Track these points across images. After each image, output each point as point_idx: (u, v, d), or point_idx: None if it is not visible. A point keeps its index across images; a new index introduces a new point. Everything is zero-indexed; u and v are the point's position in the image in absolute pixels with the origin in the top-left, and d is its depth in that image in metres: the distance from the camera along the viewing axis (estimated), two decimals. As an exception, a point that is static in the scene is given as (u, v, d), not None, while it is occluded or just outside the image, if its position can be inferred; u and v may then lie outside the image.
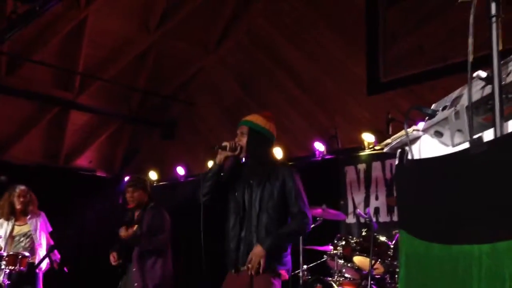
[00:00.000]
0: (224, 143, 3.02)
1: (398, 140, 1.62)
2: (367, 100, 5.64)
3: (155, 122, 7.63)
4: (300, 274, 4.55)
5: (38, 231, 4.86)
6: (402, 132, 1.60)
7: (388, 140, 1.68)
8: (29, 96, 6.39)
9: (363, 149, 5.53)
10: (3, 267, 4.81)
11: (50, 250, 4.64)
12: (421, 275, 1.31)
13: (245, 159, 3.09)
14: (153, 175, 7.66)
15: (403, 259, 1.43)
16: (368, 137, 5.42)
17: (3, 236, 4.81)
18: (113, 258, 4.10)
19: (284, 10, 6.38)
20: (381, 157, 5.40)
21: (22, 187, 4.86)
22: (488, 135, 1.18)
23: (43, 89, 6.45)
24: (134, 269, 4.09)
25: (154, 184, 7.74)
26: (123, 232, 4.09)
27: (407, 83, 5.32)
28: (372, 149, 5.45)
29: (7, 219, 4.88)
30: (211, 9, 6.41)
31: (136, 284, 4.06)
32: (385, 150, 1.71)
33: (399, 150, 1.66)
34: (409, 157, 1.52)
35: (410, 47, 5.40)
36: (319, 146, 5.82)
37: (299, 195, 2.93)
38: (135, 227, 4.13)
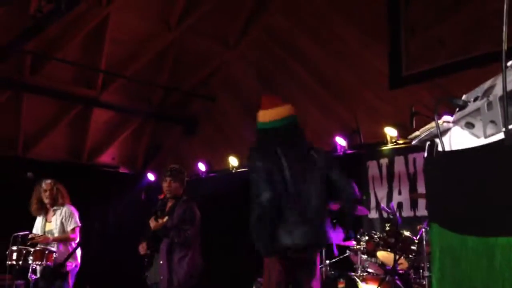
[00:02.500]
0: None
1: (428, 132, 1.60)
2: (389, 94, 5.58)
3: (176, 118, 7.69)
4: (323, 269, 4.54)
5: (58, 227, 4.87)
6: (432, 124, 1.57)
7: (417, 133, 1.65)
8: (53, 94, 6.51)
9: (386, 143, 5.48)
10: (30, 262, 4.91)
11: (77, 246, 4.68)
12: (456, 269, 1.29)
13: None
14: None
15: (436, 253, 1.41)
16: (390, 131, 5.37)
17: (37, 232, 4.89)
18: (142, 248, 4.11)
19: (302, 5, 6.35)
20: (404, 151, 5.35)
21: (48, 181, 4.90)
22: (523, 125, 1.15)
23: (66, 87, 6.56)
24: (161, 262, 4.05)
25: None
26: (152, 222, 4.03)
27: (429, 77, 5.25)
28: (394, 143, 5.40)
29: (39, 215, 4.95)
30: (231, 5, 6.42)
31: (162, 277, 4.03)
32: (413, 142, 1.69)
33: (428, 143, 1.64)
34: (439, 149, 1.50)
35: (432, 40, 5.32)
36: (341, 141, 5.78)
37: None
38: (165, 218, 4.07)
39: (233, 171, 7.07)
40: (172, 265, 4.01)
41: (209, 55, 6.95)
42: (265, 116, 3.03)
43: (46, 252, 4.71)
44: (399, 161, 5.46)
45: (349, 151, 5.81)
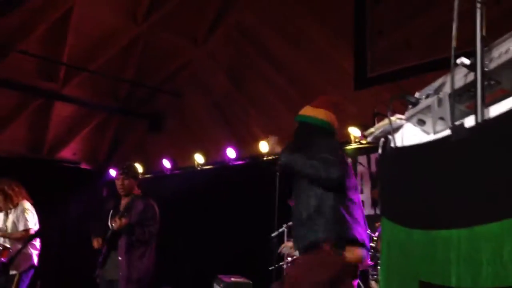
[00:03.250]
0: None
1: (382, 129, 1.62)
2: (354, 95, 5.65)
3: (142, 114, 7.57)
4: (284, 266, 4.55)
5: (11, 224, 4.76)
6: (386, 121, 1.60)
7: (372, 129, 1.68)
8: (13, 86, 6.30)
9: (349, 143, 5.55)
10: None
11: (26, 241, 4.55)
12: (402, 261, 1.31)
13: None
14: (138, 168, 7.61)
15: (384, 246, 1.43)
16: (354, 132, 5.44)
17: None
18: (97, 243, 4.05)
19: (272, 3, 6.36)
20: (366, 151, 5.43)
21: (3, 180, 4.78)
22: (469, 122, 1.18)
23: (27, 80, 6.36)
24: (120, 258, 3.99)
25: (140, 177, 7.70)
26: (116, 222, 3.95)
27: (394, 78, 5.34)
28: (358, 143, 5.48)
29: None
30: (199, 0, 6.36)
31: (121, 273, 3.96)
32: (368, 139, 1.71)
33: (382, 139, 1.66)
34: (392, 145, 1.52)
35: (397, 42, 5.42)
36: (306, 140, 5.82)
37: None
38: (126, 217, 4.00)
39: (199, 168, 7.03)
40: (132, 262, 3.97)
41: (177, 51, 6.88)
42: (333, 119, 2.86)
43: (0, 248, 4.57)
44: (362, 161, 5.54)
45: (314, 150, 5.85)
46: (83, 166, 7.82)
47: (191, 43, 6.82)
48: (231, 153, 6.63)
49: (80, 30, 6.15)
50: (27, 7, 5.13)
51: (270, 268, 4.54)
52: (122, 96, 7.28)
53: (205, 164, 7.04)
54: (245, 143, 6.76)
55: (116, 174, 4.27)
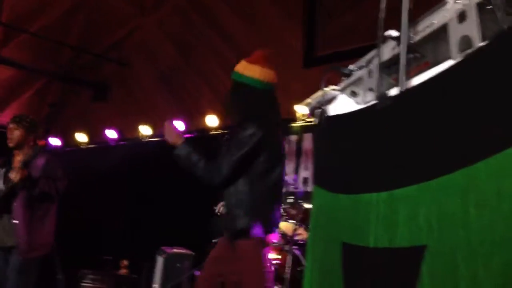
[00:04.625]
0: None
1: (318, 99, 1.67)
2: (302, 73, 5.73)
3: (86, 82, 7.31)
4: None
5: None
6: (320, 93, 1.64)
7: (308, 100, 1.72)
8: None
9: (295, 120, 5.64)
10: None
11: None
12: (328, 225, 1.37)
13: None
14: (81, 137, 7.39)
15: (313, 212, 1.49)
16: (300, 109, 5.53)
17: None
18: None
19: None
20: (312, 129, 5.54)
21: None
22: (394, 93, 1.24)
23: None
24: (16, 222, 3.41)
25: (82, 147, 7.49)
26: (18, 172, 3.32)
27: (340, 59, 5.45)
28: (304, 121, 5.57)
29: None
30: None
31: (20, 240, 3.40)
32: (305, 109, 1.75)
33: (318, 110, 1.71)
34: (326, 115, 1.57)
35: (346, 24, 5.52)
36: (253, 116, 5.85)
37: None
38: (22, 172, 3.36)
39: (144, 140, 6.92)
40: (32, 224, 3.43)
41: (124, 17, 6.65)
42: (272, 76, 2.57)
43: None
44: (307, 138, 5.65)
45: (260, 126, 5.91)
46: (21, 132, 7.48)
47: (139, 10, 6.61)
48: (178, 125, 6.56)
49: (20, -11, 5.82)
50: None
51: (213, 241, 4.59)
52: (65, 61, 6.99)
53: (152, 136, 6.94)
54: (192, 116, 6.70)
55: (8, 124, 3.65)
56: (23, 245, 3.39)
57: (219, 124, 6.28)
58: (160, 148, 6.76)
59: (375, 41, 4.70)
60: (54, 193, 3.48)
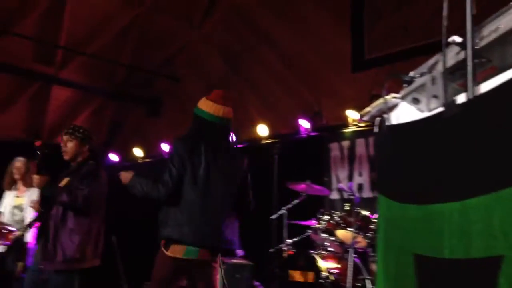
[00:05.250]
0: None
1: (378, 108, 1.65)
2: (351, 77, 5.67)
3: (139, 98, 7.57)
4: (284, 248, 4.62)
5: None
6: (381, 100, 1.63)
7: (368, 108, 1.70)
8: (10, 70, 6.28)
9: (347, 126, 5.58)
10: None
11: (29, 224, 4.49)
12: (398, 236, 1.35)
13: None
14: (138, 152, 7.64)
15: (381, 223, 1.47)
16: (352, 114, 5.46)
17: (4, 207, 4.77)
18: (34, 204, 3.53)
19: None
20: (365, 134, 5.46)
21: (21, 158, 4.76)
22: (461, 99, 1.20)
23: (23, 64, 6.34)
24: (50, 230, 3.32)
25: (139, 161, 7.73)
26: (36, 178, 3.33)
27: (391, 61, 5.36)
28: (356, 126, 5.50)
29: (9, 189, 4.85)
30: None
31: (46, 248, 3.32)
32: (364, 118, 1.74)
33: (378, 118, 1.69)
34: (388, 124, 1.55)
35: (395, 25, 5.42)
36: (304, 123, 5.85)
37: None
38: (65, 180, 3.35)
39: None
40: (60, 234, 3.28)
41: (173, 34, 6.85)
42: (219, 110, 3.01)
43: (3, 230, 4.60)
44: (360, 144, 5.57)
45: (312, 133, 5.89)
46: (82, 150, 7.84)
47: (187, 26, 6.79)
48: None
49: (76, 13, 6.13)
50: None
51: (270, 250, 4.60)
52: (119, 80, 7.28)
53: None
54: (242, 127, 6.77)
55: (62, 136, 3.59)
56: (45, 255, 3.30)
57: (270, 133, 6.31)
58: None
59: (426, 41, 4.58)
60: (72, 200, 3.28)
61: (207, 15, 6.73)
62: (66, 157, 3.53)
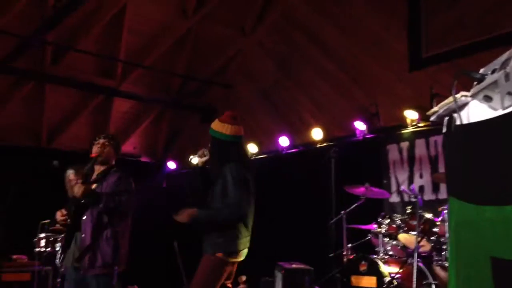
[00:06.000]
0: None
1: (446, 107, 1.60)
2: (408, 76, 5.52)
3: (194, 106, 7.74)
4: (344, 252, 4.55)
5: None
6: (450, 99, 1.57)
7: (435, 108, 1.65)
8: (74, 84, 6.61)
9: (406, 126, 5.43)
10: (58, 249, 5.06)
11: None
12: (473, 239, 1.30)
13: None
14: (194, 159, 7.80)
15: (452, 225, 1.42)
16: (410, 114, 5.32)
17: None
18: (60, 214, 3.48)
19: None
20: (425, 134, 5.30)
21: (70, 171, 4.95)
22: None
23: (87, 78, 6.66)
24: (83, 235, 3.34)
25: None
26: (79, 187, 3.31)
27: (449, 58, 5.17)
28: (415, 126, 5.35)
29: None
30: (246, -10, 6.40)
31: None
32: (432, 118, 1.68)
33: (446, 118, 1.63)
34: (458, 123, 1.50)
35: (452, 21, 5.23)
36: (360, 125, 5.75)
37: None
38: (93, 186, 3.42)
39: (252, 158, 7.11)
40: (98, 241, 3.33)
41: (226, 42, 6.96)
42: (240, 131, 3.38)
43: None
44: (420, 144, 5.41)
45: (368, 135, 5.78)
46: (143, 159, 8.13)
47: (240, 33, 6.87)
48: (284, 141, 6.66)
49: (134, 28, 6.37)
50: (84, 8, 5.35)
51: (330, 255, 4.55)
52: (175, 89, 7.48)
53: (259, 153, 7.12)
54: (297, 131, 6.76)
55: (98, 138, 3.66)
56: (83, 261, 3.29)
57: (324, 137, 6.26)
58: (269, 163, 6.93)
59: (485, 36, 4.37)
60: (115, 206, 3.34)
61: (258, 22, 6.78)
62: (100, 159, 3.56)
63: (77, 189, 3.32)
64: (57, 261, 4.99)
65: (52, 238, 5.05)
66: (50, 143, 7.14)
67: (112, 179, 3.49)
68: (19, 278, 5.28)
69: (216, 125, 3.39)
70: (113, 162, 3.67)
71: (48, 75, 6.31)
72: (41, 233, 5.08)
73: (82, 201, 3.34)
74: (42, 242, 5.05)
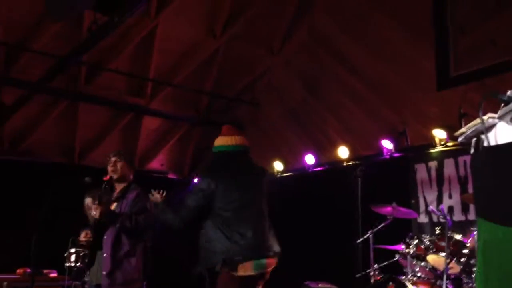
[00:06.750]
0: None
1: (473, 128, 1.60)
2: (436, 95, 5.47)
3: (221, 124, 7.80)
4: (371, 273, 4.50)
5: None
6: (477, 121, 1.58)
7: (463, 129, 1.66)
8: (106, 103, 6.80)
9: (434, 146, 5.38)
10: (82, 254, 5.15)
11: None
12: (501, 260, 1.29)
13: None
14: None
15: (480, 246, 1.42)
16: (439, 133, 5.27)
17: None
18: (84, 234, 3.74)
19: (346, 6, 6.31)
20: (454, 154, 5.23)
21: (87, 199, 4.71)
22: None
23: (118, 96, 6.85)
24: (104, 255, 3.44)
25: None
26: (97, 208, 3.45)
27: (479, 77, 5.11)
28: (444, 145, 5.29)
29: None
30: (274, 10, 6.49)
31: (104, 272, 3.41)
32: (459, 139, 1.69)
33: (474, 139, 1.64)
34: (485, 144, 1.50)
35: (482, 39, 5.18)
36: (387, 144, 5.72)
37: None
38: (114, 205, 3.57)
39: (278, 175, 7.13)
40: (117, 260, 3.41)
41: (253, 60, 7.05)
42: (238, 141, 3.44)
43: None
44: (449, 164, 5.34)
45: (396, 154, 5.74)
46: (170, 176, 8.25)
47: (267, 52, 6.96)
48: (310, 159, 6.67)
49: (164, 48, 6.53)
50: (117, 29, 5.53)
51: (357, 276, 4.51)
52: (202, 107, 7.60)
53: (284, 171, 7.14)
54: (323, 149, 6.77)
55: (108, 159, 3.77)
56: (104, 279, 3.38)
57: (350, 155, 6.24)
58: (295, 181, 6.94)
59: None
60: (137, 228, 3.44)
61: (286, 41, 6.87)
62: (115, 176, 3.71)
63: (95, 211, 3.49)
64: (86, 276, 5.09)
65: (82, 254, 5.15)
66: (82, 160, 7.34)
67: (131, 196, 3.62)
68: (49, 293, 5.40)
69: (218, 141, 3.54)
70: (131, 177, 3.79)
71: (82, 94, 6.52)
72: (71, 248, 5.19)
73: (101, 221, 3.50)
74: (72, 257, 5.15)
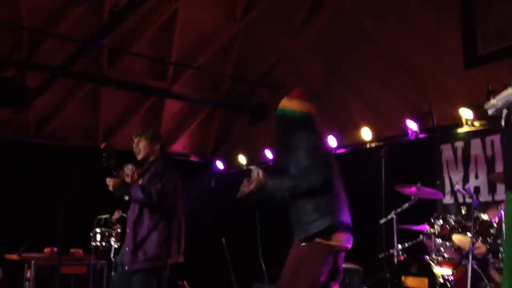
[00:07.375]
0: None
1: (504, 100, 1.55)
2: (463, 74, 5.33)
3: (243, 107, 7.82)
4: (395, 253, 4.47)
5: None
6: (508, 91, 1.53)
7: (493, 101, 1.61)
8: (129, 86, 6.85)
9: (461, 125, 5.26)
10: (112, 243, 5.27)
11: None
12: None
13: None
14: (242, 159, 7.88)
15: (509, 219, 1.38)
16: (466, 113, 5.15)
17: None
18: (117, 213, 3.71)
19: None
20: (481, 134, 5.12)
21: (129, 166, 4.94)
22: None
23: (140, 80, 6.89)
24: (128, 231, 3.40)
25: (244, 168, 7.98)
26: (110, 181, 3.40)
27: (508, 54, 4.96)
28: (470, 125, 5.17)
29: None
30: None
31: (127, 248, 3.36)
32: (490, 112, 1.64)
33: (505, 111, 1.59)
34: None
35: (509, 17, 5.01)
36: (412, 125, 5.62)
37: None
38: (140, 180, 3.53)
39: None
40: (139, 236, 3.31)
41: (275, 43, 6.98)
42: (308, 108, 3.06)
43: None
44: (475, 144, 5.23)
45: (421, 135, 5.64)
46: (192, 158, 8.30)
47: (288, 34, 6.88)
48: (332, 141, 6.61)
49: (185, 31, 6.53)
50: (138, 13, 5.54)
51: (380, 256, 4.48)
52: (225, 90, 7.59)
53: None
54: (346, 131, 6.69)
55: (134, 140, 3.71)
56: (127, 255, 3.31)
57: (373, 137, 6.16)
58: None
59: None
60: (151, 199, 3.28)
61: (307, 22, 6.76)
62: (139, 157, 3.61)
63: (109, 183, 3.42)
64: (112, 255, 5.21)
65: (107, 233, 5.26)
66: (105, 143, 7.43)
67: (152, 169, 3.54)
68: (76, 271, 5.52)
69: (284, 103, 3.08)
70: (158, 154, 3.63)
71: (105, 77, 6.58)
72: (97, 227, 5.30)
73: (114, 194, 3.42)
74: (98, 237, 5.27)
